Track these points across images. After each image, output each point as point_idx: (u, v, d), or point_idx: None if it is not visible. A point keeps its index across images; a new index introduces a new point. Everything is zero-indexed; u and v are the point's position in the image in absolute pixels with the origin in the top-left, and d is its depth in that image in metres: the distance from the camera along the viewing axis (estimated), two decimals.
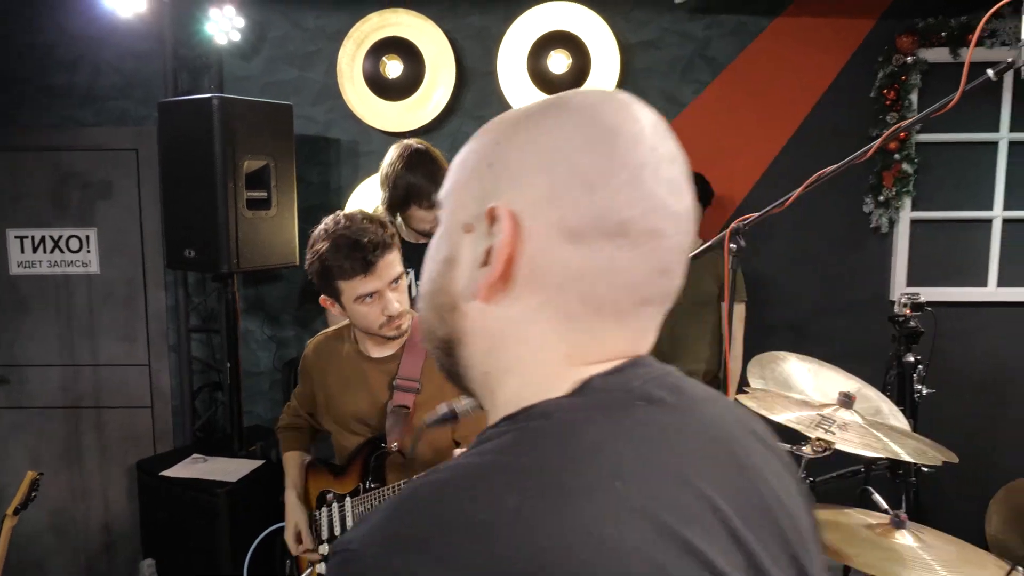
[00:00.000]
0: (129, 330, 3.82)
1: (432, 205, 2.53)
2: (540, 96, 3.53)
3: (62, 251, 3.77)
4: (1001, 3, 1.64)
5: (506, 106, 3.54)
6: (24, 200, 3.76)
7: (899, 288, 3.62)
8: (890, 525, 1.77)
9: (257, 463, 3.13)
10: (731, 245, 2.05)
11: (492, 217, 0.62)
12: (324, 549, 2.10)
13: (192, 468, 3.12)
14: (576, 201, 0.61)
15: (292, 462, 2.24)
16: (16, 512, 2.50)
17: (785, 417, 1.81)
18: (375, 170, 2.85)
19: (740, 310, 3.32)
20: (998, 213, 3.63)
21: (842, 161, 1.86)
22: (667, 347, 3.29)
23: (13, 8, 3.61)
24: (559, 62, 3.54)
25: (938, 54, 3.47)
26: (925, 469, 2.55)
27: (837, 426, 1.72)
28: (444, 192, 0.70)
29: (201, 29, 3.41)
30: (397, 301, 1.91)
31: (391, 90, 3.60)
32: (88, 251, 3.77)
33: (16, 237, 3.77)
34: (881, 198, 3.57)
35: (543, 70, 3.55)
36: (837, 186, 3.49)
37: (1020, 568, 1.75)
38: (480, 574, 0.51)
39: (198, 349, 3.84)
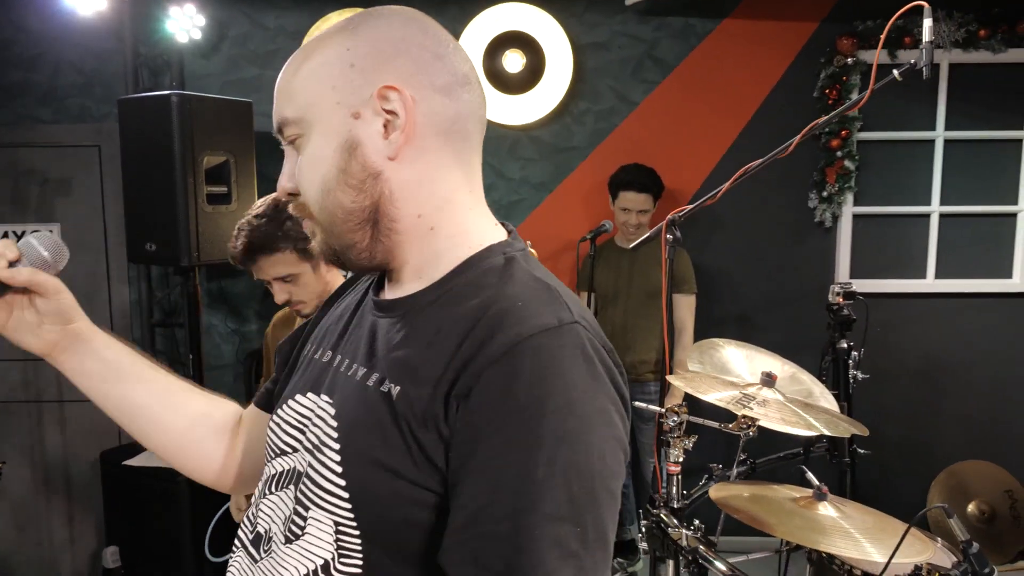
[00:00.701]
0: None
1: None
2: (500, 97, 3.65)
3: None
4: (904, 8, 1.76)
5: None
6: None
7: (842, 280, 3.77)
8: (813, 498, 1.89)
9: None
10: (667, 236, 2.17)
11: (383, 96, 0.81)
12: None
13: (154, 457, 3.16)
14: (434, 67, 0.84)
15: None
16: None
17: (712, 396, 1.92)
18: None
19: (691, 301, 3.43)
20: (935, 208, 3.80)
21: (765, 156, 1.99)
22: (619, 337, 3.43)
23: None
24: (514, 61, 3.64)
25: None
26: (861, 451, 2.68)
27: (757, 403, 1.84)
28: (297, 109, 0.84)
29: (162, 27, 3.45)
30: (286, 292, 1.95)
31: None
32: None
33: None
34: (824, 194, 3.72)
35: (499, 69, 3.65)
36: (783, 182, 3.66)
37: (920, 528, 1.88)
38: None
39: (162, 343, 3.88)
